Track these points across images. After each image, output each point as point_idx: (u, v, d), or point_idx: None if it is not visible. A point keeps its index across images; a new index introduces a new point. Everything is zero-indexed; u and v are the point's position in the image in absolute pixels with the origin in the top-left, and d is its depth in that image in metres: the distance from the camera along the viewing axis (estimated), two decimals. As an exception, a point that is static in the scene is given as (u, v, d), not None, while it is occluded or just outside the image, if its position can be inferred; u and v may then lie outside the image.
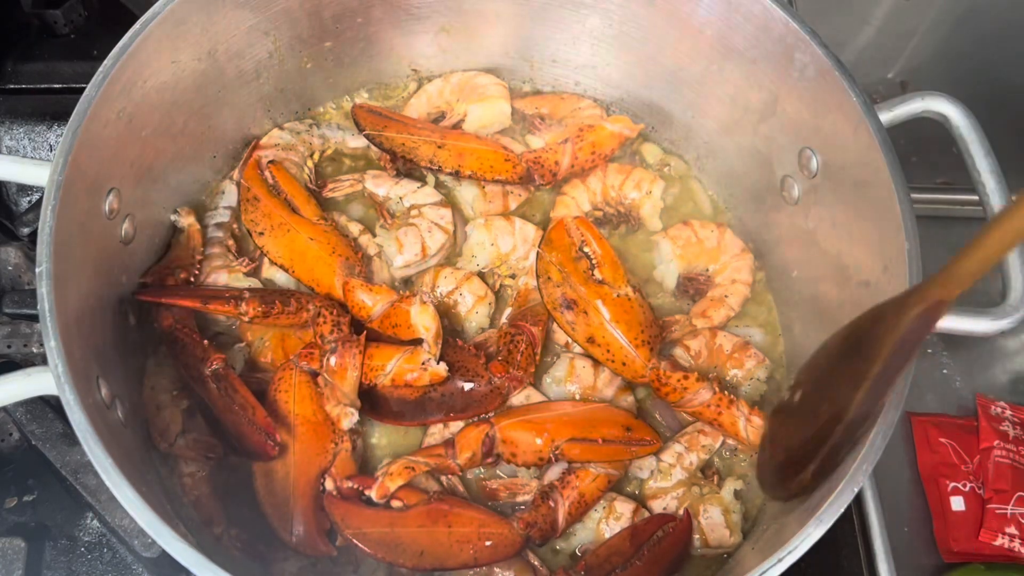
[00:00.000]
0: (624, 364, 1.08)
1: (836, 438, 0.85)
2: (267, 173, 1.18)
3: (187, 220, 1.15)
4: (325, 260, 1.11)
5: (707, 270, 1.22)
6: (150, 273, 1.09)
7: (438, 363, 1.04)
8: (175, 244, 1.15)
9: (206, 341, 1.05)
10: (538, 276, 1.13)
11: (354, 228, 1.19)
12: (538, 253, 1.14)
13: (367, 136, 1.21)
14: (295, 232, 1.13)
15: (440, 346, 1.06)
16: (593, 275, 1.12)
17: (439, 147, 1.19)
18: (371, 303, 1.08)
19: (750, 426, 1.07)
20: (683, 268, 1.20)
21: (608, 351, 1.08)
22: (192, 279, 1.11)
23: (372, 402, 1.06)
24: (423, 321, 1.06)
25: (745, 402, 1.08)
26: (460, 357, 1.08)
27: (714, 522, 1.04)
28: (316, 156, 1.25)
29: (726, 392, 1.07)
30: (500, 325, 1.15)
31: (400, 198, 1.22)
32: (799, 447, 0.90)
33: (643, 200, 1.24)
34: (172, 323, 1.06)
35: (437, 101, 1.30)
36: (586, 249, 1.14)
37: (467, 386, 1.06)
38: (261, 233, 1.14)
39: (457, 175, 1.20)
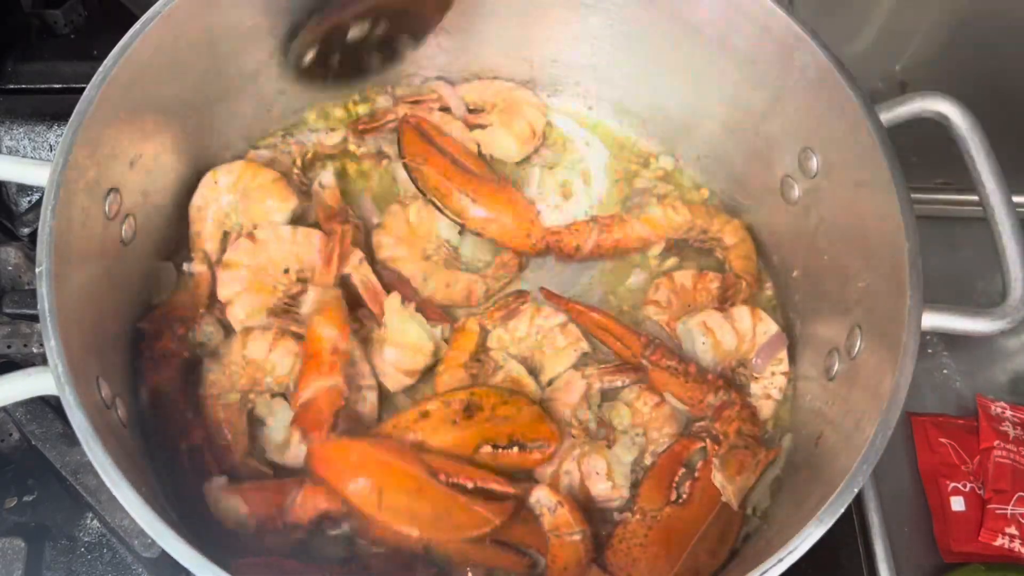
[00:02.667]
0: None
1: None
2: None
3: (199, 268, 1.11)
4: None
5: None
6: (148, 319, 1.06)
7: None
8: (182, 287, 1.11)
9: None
10: None
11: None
12: None
13: (405, 166, 1.20)
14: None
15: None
16: None
17: (473, 201, 1.18)
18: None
19: None
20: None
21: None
22: (189, 332, 1.07)
23: None
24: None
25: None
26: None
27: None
28: (299, 161, 1.23)
29: None
30: None
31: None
32: None
33: (731, 251, 1.21)
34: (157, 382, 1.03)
35: (478, 100, 1.31)
36: None
37: None
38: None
39: (475, 234, 1.20)
